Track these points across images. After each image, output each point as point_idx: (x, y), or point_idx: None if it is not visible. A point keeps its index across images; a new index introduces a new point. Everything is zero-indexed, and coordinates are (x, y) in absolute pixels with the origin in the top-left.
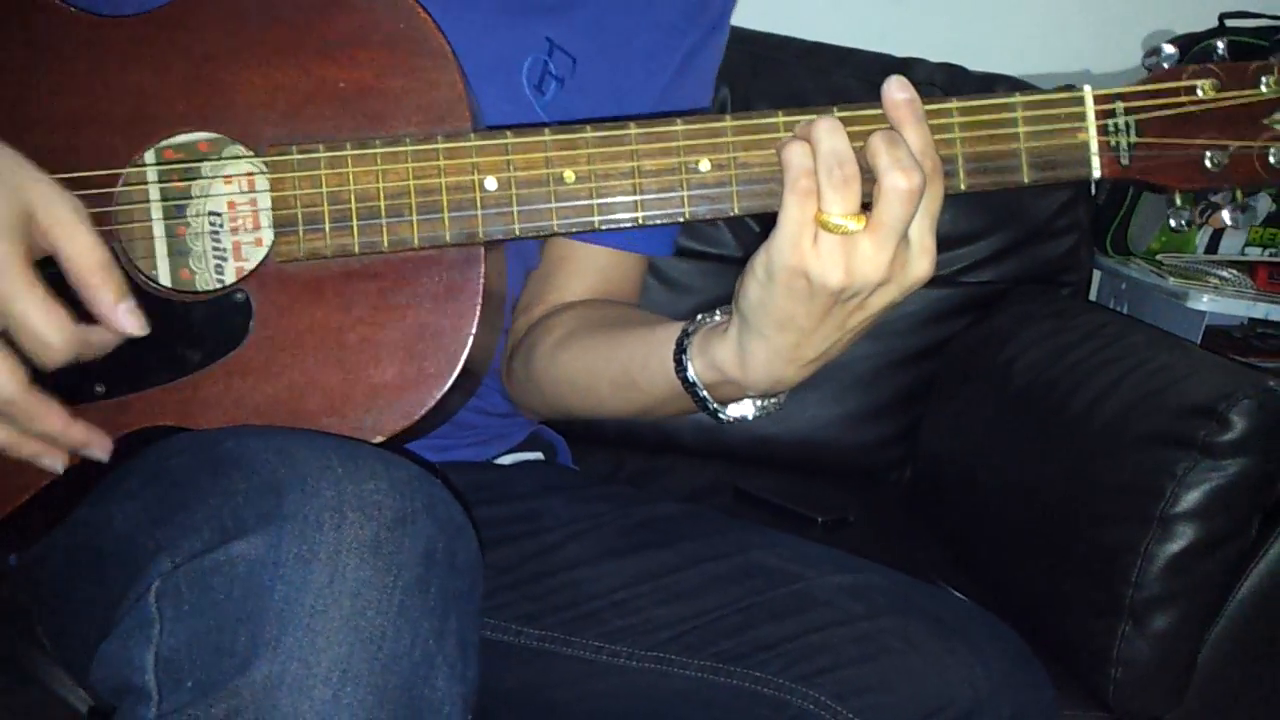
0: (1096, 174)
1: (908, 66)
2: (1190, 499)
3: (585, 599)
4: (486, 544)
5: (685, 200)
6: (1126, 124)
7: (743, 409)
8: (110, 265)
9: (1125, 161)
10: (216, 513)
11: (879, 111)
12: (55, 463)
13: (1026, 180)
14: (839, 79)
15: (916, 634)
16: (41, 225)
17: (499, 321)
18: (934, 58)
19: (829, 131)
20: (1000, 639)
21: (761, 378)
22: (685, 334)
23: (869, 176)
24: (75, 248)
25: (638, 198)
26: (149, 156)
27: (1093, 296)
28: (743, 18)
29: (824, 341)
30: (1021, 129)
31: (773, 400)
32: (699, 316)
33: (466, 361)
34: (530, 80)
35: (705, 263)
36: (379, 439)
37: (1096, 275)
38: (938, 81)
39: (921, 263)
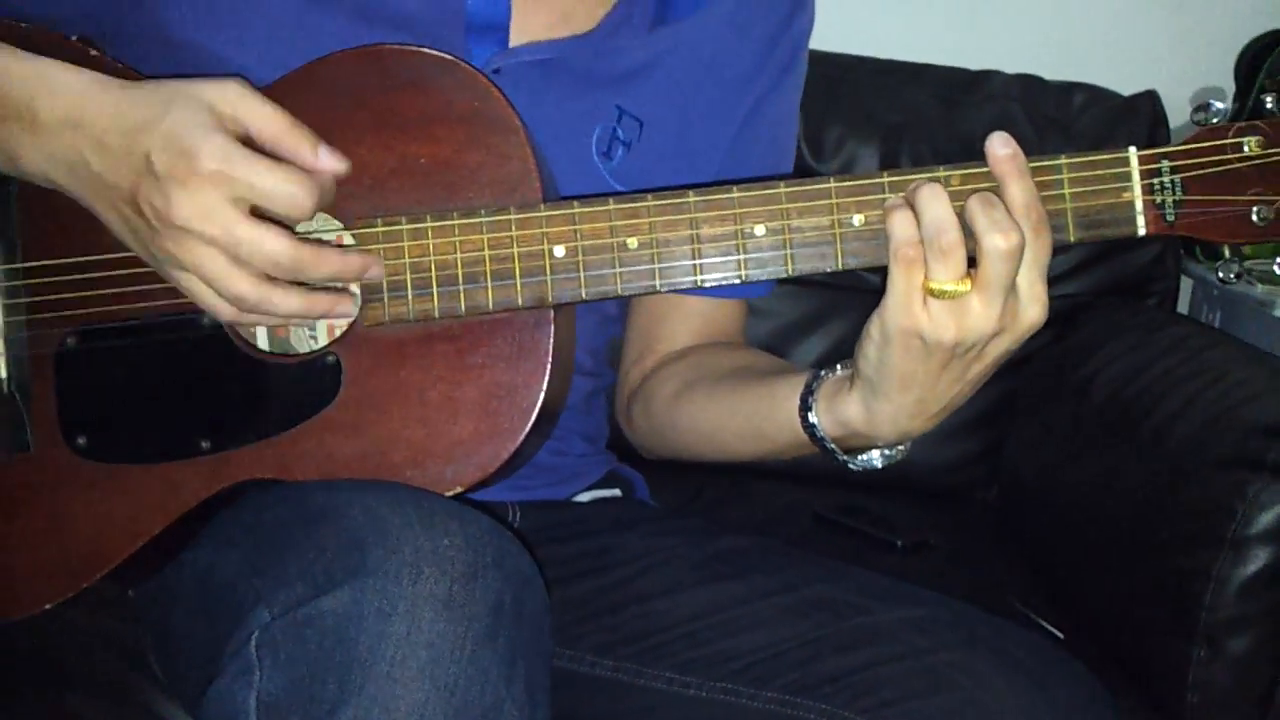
0: (1142, 231)
1: (983, 79)
2: (1263, 521)
3: (657, 631)
4: (563, 579)
5: (742, 264)
6: (1172, 182)
7: (870, 457)
8: (293, 122)
9: (1171, 218)
10: (309, 567)
11: (921, 175)
12: (348, 307)
13: (1072, 239)
14: (912, 96)
15: (980, 668)
16: (224, 113)
17: (569, 373)
18: (1010, 68)
19: (931, 199)
20: (1067, 672)
21: (889, 432)
22: (809, 390)
23: (971, 233)
24: (259, 120)
25: (696, 262)
26: None
27: (1185, 305)
28: (814, 39)
29: (946, 394)
30: (1067, 190)
31: (899, 448)
32: (821, 372)
33: (539, 415)
34: (599, 148)
35: (782, 286)
36: (458, 489)
37: (1189, 284)
38: (1014, 93)
39: (1032, 310)
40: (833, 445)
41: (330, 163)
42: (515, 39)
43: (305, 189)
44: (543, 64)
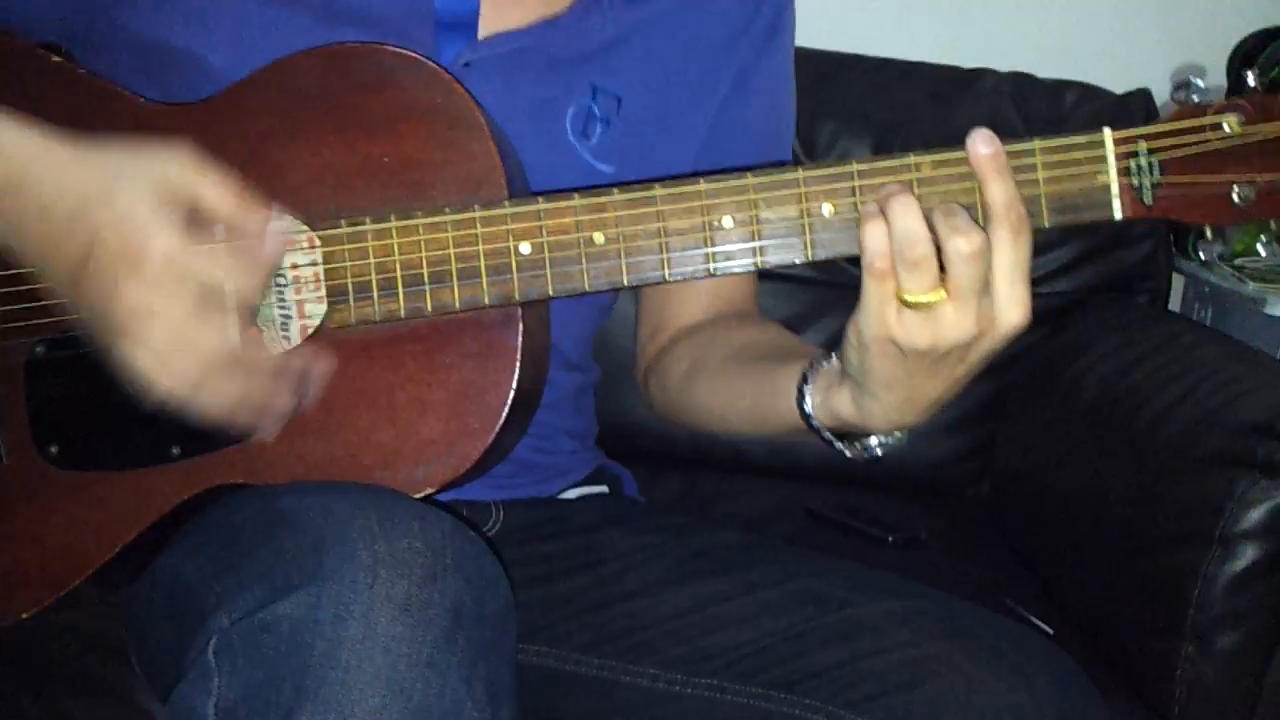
0: (1118, 215)
1: (976, 77)
2: (1251, 518)
3: (642, 628)
4: (548, 577)
5: (711, 256)
6: (1149, 164)
7: (869, 445)
8: (244, 196)
9: (1148, 201)
10: (268, 571)
11: (891, 163)
12: (286, 404)
13: (1046, 224)
14: (905, 94)
15: (963, 660)
16: (174, 187)
17: (543, 370)
18: (1002, 66)
19: (901, 212)
20: (1052, 664)
21: (882, 426)
22: (803, 381)
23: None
24: (209, 194)
25: (663, 256)
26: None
27: (1176, 302)
28: (806, 37)
29: (934, 393)
30: (1041, 174)
31: (898, 435)
32: (815, 363)
33: (509, 413)
34: (574, 128)
35: (773, 283)
36: (430, 490)
37: (1180, 281)
38: (1006, 91)
39: (1013, 313)
40: (829, 436)
41: (281, 232)
42: (485, 30)
43: (252, 276)
44: (515, 53)
